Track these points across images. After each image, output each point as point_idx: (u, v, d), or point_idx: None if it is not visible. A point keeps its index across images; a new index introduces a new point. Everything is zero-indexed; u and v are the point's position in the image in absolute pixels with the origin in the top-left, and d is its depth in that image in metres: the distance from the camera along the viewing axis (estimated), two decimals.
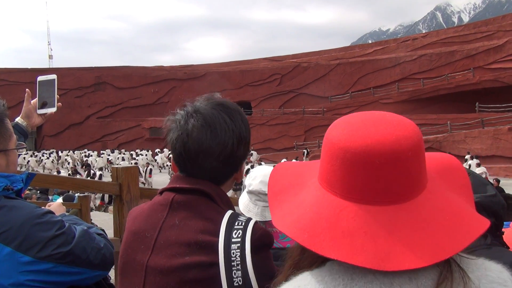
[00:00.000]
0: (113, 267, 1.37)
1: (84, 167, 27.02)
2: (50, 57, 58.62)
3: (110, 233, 3.38)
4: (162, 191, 1.14)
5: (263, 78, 42.32)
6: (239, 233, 0.99)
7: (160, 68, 49.02)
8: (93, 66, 48.18)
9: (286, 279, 0.67)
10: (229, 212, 1.06)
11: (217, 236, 0.99)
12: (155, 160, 30.69)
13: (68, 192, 10.16)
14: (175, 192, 1.09)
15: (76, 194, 8.26)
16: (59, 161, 33.26)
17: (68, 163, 31.53)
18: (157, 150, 36.64)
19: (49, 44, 58.69)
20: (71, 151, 37.90)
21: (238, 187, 11.00)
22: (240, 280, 0.94)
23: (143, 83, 46.56)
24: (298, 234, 0.62)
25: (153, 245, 1.04)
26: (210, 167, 1.07)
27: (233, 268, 0.95)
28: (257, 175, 1.93)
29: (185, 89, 44.82)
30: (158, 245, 1.04)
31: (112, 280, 1.67)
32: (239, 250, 0.96)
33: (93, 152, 37.19)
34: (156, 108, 45.54)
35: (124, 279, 1.10)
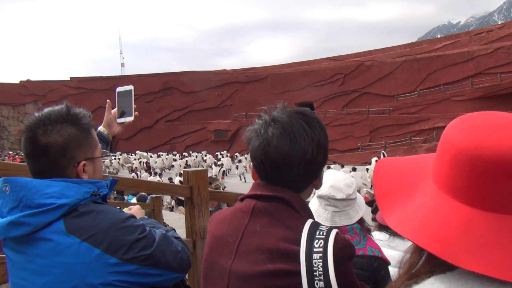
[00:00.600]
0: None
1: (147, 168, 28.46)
2: (122, 65, 62.52)
3: (180, 232, 3.51)
4: (243, 198, 1.17)
5: (325, 78, 41.67)
6: (321, 243, 0.98)
7: (223, 72, 50.19)
8: (161, 72, 50.48)
9: (405, 285, 0.65)
10: (309, 221, 1.06)
11: (298, 244, 0.99)
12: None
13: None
14: (256, 199, 1.11)
15: (149, 195, 8.72)
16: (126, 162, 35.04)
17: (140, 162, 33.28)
18: (220, 153, 37.48)
19: (121, 53, 62.57)
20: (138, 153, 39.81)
21: None
22: None
23: (208, 87, 47.95)
24: (429, 243, 0.61)
25: (235, 250, 1.07)
26: (290, 174, 1.08)
27: (315, 278, 0.95)
28: (326, 180, 1.90)
29: (247, 91, 45.50)
30: (240, 251, 1.06)
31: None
32: (321, 261, 0.96)
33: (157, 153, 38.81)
34: (220, 111, 46.72)
35: (208, 282, 1.14)
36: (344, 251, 1.00)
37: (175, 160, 33.22)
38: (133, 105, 1.76)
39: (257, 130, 1.12)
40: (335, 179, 1.91)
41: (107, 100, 1.80)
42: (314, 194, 1.96)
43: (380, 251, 1.86)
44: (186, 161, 31.31)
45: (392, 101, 36.21)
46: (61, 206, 1.11)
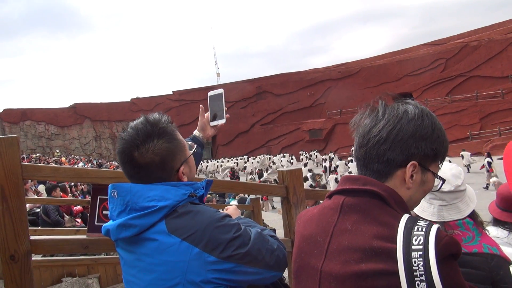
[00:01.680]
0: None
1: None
2: (218, 75, 65.57)
3: (280, 232, 3.54)
4: (331, 195, 1.11)
5: (424, 65, 38.96)
6: (420, 239, 0.89)
7: (314, 71, 49.81)
8: (253, 77, 51.92)
9: None
10: (405, 216, 0.96)
11: (394, 242, 0.91)
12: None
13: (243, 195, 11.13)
14: (345, 194, 1.05)
15: (248, 197, 8.99)
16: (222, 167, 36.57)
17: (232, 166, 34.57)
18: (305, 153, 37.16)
19: (216, 63, 65.70)
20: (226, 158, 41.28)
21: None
22: None
23: (299, 87, 48.05)
24: None
25: (326, 250, 1.02)
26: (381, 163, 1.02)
27: (416, 279, 0.86)
28: None
29: (340, 88, 44.52)
30: (331, 250, 1.01)
31: (287, 281, 1.72)
32: (422, 259, 0.86)
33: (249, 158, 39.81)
34: (313, 110, 46.46)
35: (299, 283, 1.10)
36: (448, 248, 0.89)
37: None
38: (224, 108, 1.81)
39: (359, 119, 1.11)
40: (441, 169, 1.75)
41: (200, 105, 1.87)
42: None
43: (498, 248, 1.65)
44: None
45: (506, 83, 32.42)
46: (162, 208, 1.18)
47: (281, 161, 31.60)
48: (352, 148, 1.14)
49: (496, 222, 2.00)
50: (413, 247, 0.88)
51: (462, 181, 1.72)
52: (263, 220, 7.80)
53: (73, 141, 49.89)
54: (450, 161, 1.86)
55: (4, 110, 46.91)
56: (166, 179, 1.26)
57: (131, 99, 52.87)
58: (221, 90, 1.84)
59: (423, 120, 1.03)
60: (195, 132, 1.82)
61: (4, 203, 1.92)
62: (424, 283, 0.85)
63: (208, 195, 11.85)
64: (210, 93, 1.87)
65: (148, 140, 1.23)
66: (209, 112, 1.84)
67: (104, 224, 1.27)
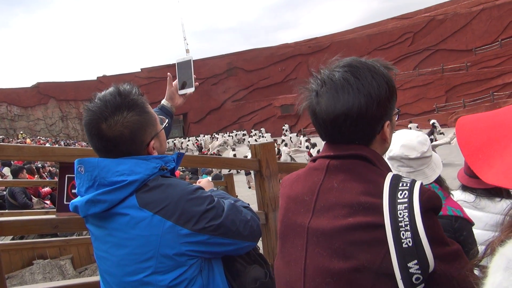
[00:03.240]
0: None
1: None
2: (187, 51, 64.20)
3: (254, 208, 3.57)
4: (315, 159, 1.12)
5: (392, 39, 39.50)
6: (405, 193, 0.92)
7: (285, 46, 49.60)
8: (224, 53, 51.24)
9: (509, 237, 0.60)
10: (390, 174, 0.99)
11: (380, 198, 0.93)
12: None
13: (212, 171, 11.12)
14: (330, 158, 1.06)
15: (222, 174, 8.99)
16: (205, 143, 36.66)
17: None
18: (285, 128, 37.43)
19: (185, 39, 64.14)
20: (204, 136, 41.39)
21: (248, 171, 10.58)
22: (410, 242, 0.88)
23: (271, 63, 47.84)
24: None
25: (313, 208, 1.03)
26: (345, 131, 1.02)
27: (401, 229, 0.89)
28: (397, 140, 1.79)
29: (311, 63, 44.59)
30: (318, 207, 1.02)
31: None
32: (406, 211, 0.90)
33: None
34: (285, 85, 46.46)
35: (285, 242, 1.10)
36: (430, 201, 0.93)
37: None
38: (193, 76, 1.74)
39: (311, 90, 1.08)
40: (407, 137, 1.79)
41: (168, 73, 1.80)
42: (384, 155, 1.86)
43: (461, 210, 1.72)
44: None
45: (470, 56, 33.36)
46: (132, 182, 1.15)
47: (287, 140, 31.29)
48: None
49: (465, 188, 2.08)
50: (399, 200, 0.92)
51: (428, 147, 1.77)
52: (236, 195, 7.85)
53: (38, 122, 48.19)
54: (418, 129, 1.91)
55: None
56: (135, 153, 1.22)
57: (98, 77, 51.26)
58: (190, 57, 1.77)
59: (379, 82, 1.01)
60: (163, 101, 1.75)
61: None
62: (409, 232, 0.88)
63: (181, 173, 11.79)
64: (177, 60, 1.78)
65: (117, 112, 1.18)
66: (177, 80, 1.77)
67: (72, 201, 1.23)
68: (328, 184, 1.02)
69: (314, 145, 19.69)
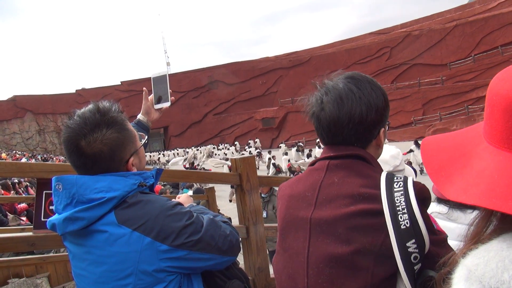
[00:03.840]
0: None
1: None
2: (168, 64, 64.15)
3: (236, 221, 3.56)
4: (314, 162, 1.21)
5: (370, 54, 40.33)
6: (400, 184, 1.03)
7: (266, 60, 50.02)
8: (205, 67, 51.30)
9: (470, 249, 0.63)
10: (385, 171, 1.11)
11: (378, 189, 1.03)
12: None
13: (193, 185, 11.04)
14: (330, 159, 1.16)
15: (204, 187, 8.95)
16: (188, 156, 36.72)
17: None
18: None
19: (166, 52, 64.28)
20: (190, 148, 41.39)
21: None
22: (407, 223, 0.97)
23: (251, 76, 48.11)
24: (500, 203, 0.58)
25: (315, 202, 1.11)
26: (346, 134, 1.13)
27: (399, 213, 0.98)
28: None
29: (291, 76, 45.10)
30: (320, 201, 1.10)
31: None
32: (403, 197, 1.00)
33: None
34: (265, 99, 46.78)
35: (286, 237, 1.16)
36: (422, 191, 1.03)
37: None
38: (169, 91, 1.76)
39: (314, 100, 1.19)
40: (385, 151, 1.84)
41: (144, 88, 1.80)
42: None
43: (435, 223, 1.78)
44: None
45: (445, 70, 34.36)
46: (111, 199, 1.15)
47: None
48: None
49: (439, 201, 2.15)
50: (395, 189, 1.02)
51: (400, 161, 1.82)
52: (218, 209, 7.81)
53: (14, 136, 47.01)
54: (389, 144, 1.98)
55: None
56: (114, 170, 1.22)
57: (77, 90, 50.52)
58: (165, 72, 1.78)
59: (377, 93, 1.15)
60: (139, 116, 1.76)
61: None
62: (406, 215, 0.98)
63: (162, 187, 11.65)
64: (153, 75, 1.79)
65: (96, 129, 1.18)
66: (153, 94, 1.77)
67: (49, 218, 1.22)
68: (328, 180, 1.12)
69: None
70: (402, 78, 37.26)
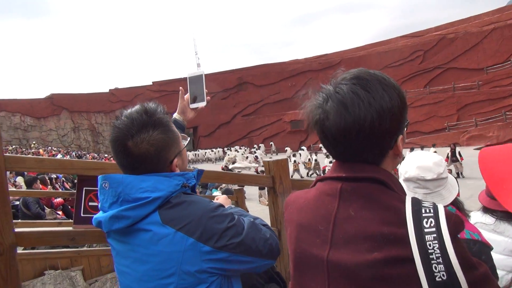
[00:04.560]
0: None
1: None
2: (198, 65, 64.86)
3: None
4: (323, 179, 1.06)
5: (403, 57, 39.49)
6: (431, 222, 0.87)
7: (296, 62, 49.88)
8: (235, 68, 51.65)
9: None
10: (408, 198, 0.93)
11: (404, 226, 0.87)
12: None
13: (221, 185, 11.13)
14: (342, 181, 1.00)
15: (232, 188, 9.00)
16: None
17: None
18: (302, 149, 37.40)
19: (196, 53, 64.84)
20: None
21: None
22: (443, 275, 0.83)
23: (281, 78, 48.08)
24: None
25: (330, 239, 0.96)
26: (356, 148, 0.96)
27: (433, 262, 0.83)
28: (412, 161, 1.79)
29: (321, 79, 44.46)
30: (336, 240, 0.95)
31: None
32: (436, 242, 0.84)
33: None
34: (295, 101, 46.28)
35: (303, 275, 1.05)
36: (457, 227, 0.88)
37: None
38: (205, 90, 1.76)
39: (315, 106, 1.02)
40: (422, 159, 1.79)
41: (180, 87, 1.82)
42: (399, 176, 1.86)
43: (479, 234, 1.70)
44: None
45: (482, 75, 33.17)
46: (156, 199, 1.17)
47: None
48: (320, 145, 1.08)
49: (485, 210, 2.06)
50: (426, 230, 0.86)
51: (444, 169, 1.77)
52: (247, 211, 7.84)
53: (50, 133, 48.78)
54: (435, 151, 1.92)
55: None
56: (159, 170, 1.24)
57: (110, 89, 51.92)
58: (201, 72, 1.78)
59: (390, 94, 0.96)
60: (175, 115, 1.76)
61: None
62: (442, 265, 0.83)
63: None
64: (189, 75, 1.79)
65: (143, 130, 1.21)
66: (188, 94, 1.78)
67: (95, 216, 1.26)
68: (344, 213, 0.96)
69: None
70: (436, 82, 36.26)
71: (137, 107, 1.28)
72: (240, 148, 40.34)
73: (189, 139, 1.46)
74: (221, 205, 1.27)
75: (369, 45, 47.02)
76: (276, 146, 38.96)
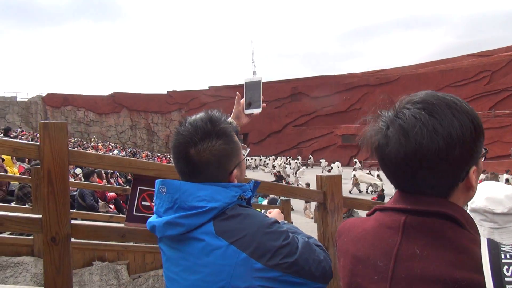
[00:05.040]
0: None
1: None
2: (254, 73, 65.88)
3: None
4: (383, 209, 0.98)
5: (467, 77, 37.64)
6: None
7: (352, 75, 49.09)
8: (289, 78, 51.73)
9: None
10: (484, 239, 0.83)
11: (479, 272, 0.77)
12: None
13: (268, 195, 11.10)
14: (406, 213, 0.91)
15: (279, 198, 8.95)
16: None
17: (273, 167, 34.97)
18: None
19: (253, 61, 66.29)
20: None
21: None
22: None
23: (335, 91, 47.48)
24: None
25: (390, 277, 0.87)
26: (419, 179, 0.87)
27: None
28: (482, 191, 1.64)
29: (377, 95, 43.61)
30: (397, 279, 0.86)
31: None
32: None
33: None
34: (348, 115, 45.78)
35: None
36: None
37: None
38: (261, 97, 1.73)
39: (376, 131, 0.95)
40: (493, 190, 1.64)
41: (237, 92, 1.80)
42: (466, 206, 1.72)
43: None
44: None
45: None
46: (212, 209, 1.15)
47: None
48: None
49: None
50: (506, 279, 0.75)
51: None
52: (292, 222, 7.75)
53: (109, 129, 51.42)
54: (507, 178, 1.75)
55: (48, 94, 48.84)
56: (218, 180, 1.23)
57: (168, 91, 53.89)
58: (259, 78, 1.75)
59: (461, 120, 0.86)
60: (230, 120, 1.74)
61: (49, 186, 1.95)
62: None
63: None
64: (246, 80, 1.77)
65: (206, 139, 1.20)
66: (244, 99, 1.76)
67: (150, 219, 1.26)
68: (408, 250, 0.86)
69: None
70: (502, 105, 34.18)
71: (201, 114, 1.27)
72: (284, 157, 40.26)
73: (248, 149, 1.43)
74: (277, 221, 1.23)
75: (431, 62, 45.30)
76: (328, 160, 38.31)
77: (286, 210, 6.76)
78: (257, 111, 1.75)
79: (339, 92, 47.29)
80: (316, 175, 3.12)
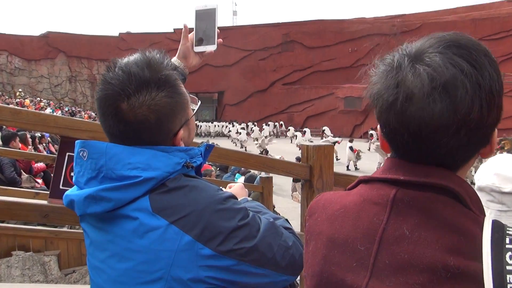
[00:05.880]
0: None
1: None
2: (234, 13, 65.00)
3: (295, 225, 3.51)
4: (368, 180, 0.98)
5: (506, 29, 38.00)
6: None
7: (360, 21, 48.91)
8: (280, 22, 51.21)
9: None
10: (488, 221, 0.83)
11: (477, 259, 0.78)
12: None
13: (250, 171, 11.18)
14: (397, 185, 0.91)
15: (259, 175, 9.03)
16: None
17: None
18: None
19: None
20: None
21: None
22: None
23: (339, 41, 47.36)
24: None
25: (372, 264, 0.88)
26: (445, 148, 0.86)
27: None
28: (491, 165, 1.68)
29: (392, 47, 43.44)
30: (380, 266, 0.87)
31: None
32: None
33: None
34: (353, 72, 45.79)
35: None
36: None
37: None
38: (217, 30, 1.70)
39: (389, 76, 0.90)
40: (504, 164, 1.68)
41: (184, 23, 1.76)
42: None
43: None
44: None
45: None
46: (148, 180, 1.13)
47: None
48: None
49: None
50: (508, 268, 0.76)
51: None
52: (274, 206, 7.85)
53: (41, 80, 50.44)
54: None
55: None
56: (158, 144, 1.21)
57: (120, 33, 52.83)
58: (214, 5, 1.72)
59: (497, 71, 0.87)
60: (175, 60, 1.69)
61: None
62: None
63: (210, 167, 11.91)
64: (197, 7, 1.73)
65: (143, 90, 1.16)
66: (194, 33, 1.73)
67: (67, 192, 1.23)
68: (396, 231, 0.87)
69: None
70: None
71: (137, 56, 1.23)
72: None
73: (199, 103, 1.41)
74: (233, 196, 1.23)
75: (461, 8, 45.52)
76: (329, 128, 38.55)
77: (267, 189, 6.84)
78: (210, 48, 1.73)
79: (343, 42, 47.17)
80: (302, 145, 3.14)
